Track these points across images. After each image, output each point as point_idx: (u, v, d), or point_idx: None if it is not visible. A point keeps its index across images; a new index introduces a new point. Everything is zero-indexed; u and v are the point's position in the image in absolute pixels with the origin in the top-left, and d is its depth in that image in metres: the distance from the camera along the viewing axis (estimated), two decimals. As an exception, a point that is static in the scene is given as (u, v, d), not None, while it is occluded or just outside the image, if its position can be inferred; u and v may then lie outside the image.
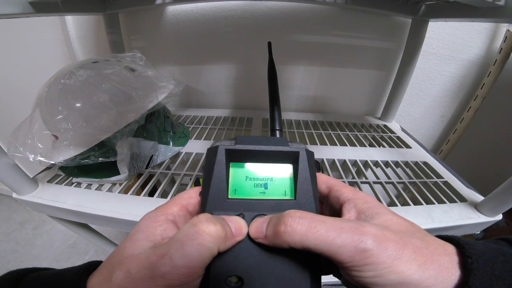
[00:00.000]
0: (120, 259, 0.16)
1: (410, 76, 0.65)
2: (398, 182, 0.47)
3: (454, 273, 0.15)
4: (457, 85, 0.76)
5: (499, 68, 0.67)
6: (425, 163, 0.53)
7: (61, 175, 0.47)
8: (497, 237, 0.18)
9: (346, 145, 0.59)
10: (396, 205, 0.42)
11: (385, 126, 0.71)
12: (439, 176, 0.49)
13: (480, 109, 0.74)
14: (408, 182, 0.48)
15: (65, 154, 0.38)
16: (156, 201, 0.41)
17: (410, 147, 0.60)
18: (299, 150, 0.20)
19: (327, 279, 0.22)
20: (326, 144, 0.59)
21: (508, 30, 0.64)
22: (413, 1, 0.53)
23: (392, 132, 0.68)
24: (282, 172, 0.20)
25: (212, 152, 0.20)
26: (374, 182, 0.47)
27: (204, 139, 0.60)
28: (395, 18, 0.66)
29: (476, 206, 0.41)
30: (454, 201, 0.43)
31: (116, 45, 0.64)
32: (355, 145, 0.59)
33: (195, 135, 0.61)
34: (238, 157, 0.20)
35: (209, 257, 0.15)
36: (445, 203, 0.43)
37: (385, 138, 0.64)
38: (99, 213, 0.39)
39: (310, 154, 0.20)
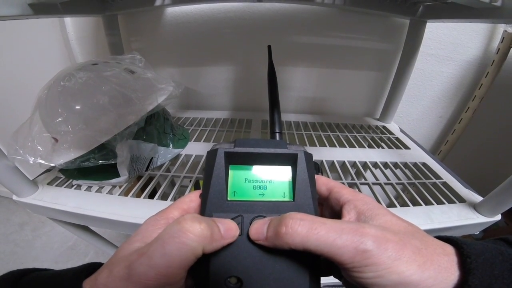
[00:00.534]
0: (113, 261, 0.16)
1: (408, 77, 0.65)
2: (397, 183, 0.48)
3: (453, 273, 0.15)
4: (455, 86, 0.77)
5: (497, 69, 0.68)
6: (424, 164, 0.54)
7: (61, 177, 0.47)
8: (495, 237, 0.18)
9: (345, 147, 0.59)
10: (395, 206, 0.42)
11: (383, 127, 0.72)
12: (437, 176, 0.50)
13: (478, 109, 0.74)
14: (407, 183, 0.48)
15: (65, 156, 0.39)
16: (156, 203, 0.41)
17: (409, 148, 0.60)
18: (297, 152, 0.20)
19: (328, 280, 0.22)
20: (325, 146, 0.59)
21: (505, 31, 0.64)
22: (410, 2, 0.54)
23: (390, 133, 0.68)
24: (281, 174, 0.20)
25: (211, 155, 0.20)
26: (373, 183, 0.47)
27: (203, 141, 0.60)
28: (393, 19, 0.66)
29: (475, 206, 0.41)
30: (453, 202, 0.43)
31: (115, 46, 0.64)
32: (354, 147, 0.59)
33: (194, 137, 0.61)
34: (237, 159, 0.20)
35: (191, 257, 0.15)
36: (444, 203, 0.43)
37: (384, 139, 0.65)
38: (99, 215, 0.39)
39: (308, 156, 0.20)
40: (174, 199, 0.43)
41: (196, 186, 0.47)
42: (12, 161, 0.37)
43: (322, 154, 0.55)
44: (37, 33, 0.74)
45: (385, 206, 0.40)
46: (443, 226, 0.39)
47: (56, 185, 0.45)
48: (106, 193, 0.44)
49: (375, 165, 0.53)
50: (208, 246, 0.16)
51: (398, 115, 0.81)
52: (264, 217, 0.18)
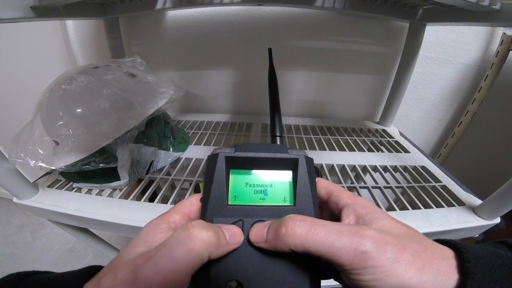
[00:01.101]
0: (115, 264, 0.16)
1: (408, 80, 0.65)
2: (396, 187, 0.48)
3: (452, 277, 0.15)
4: (454, 89, 0.77)
5: (496, 71, 0.68)
6: (424, 168, 0.54)
7: (61, 180, 0.47)
8: (495, 240, 0.18)
9: (345, 150, 0.59)
10: (395, 210, 0.42)
11: (383, 130, 0.72)
12: (437, 180, 0.50)
13: (478, 112, 0.75)
14: (407, 186, 0.48)
15: (66, 160, 0.39)
16: (156, 207, 0.41)
17: (409, 152, 0.60)
18: (298, 157, 0.20)
19: (328, 283, 0.23)
20: (325, 149, 0.59)
21: (505, 33, 0.65)
22: (410, 5, 0.54)
23: (390, 136, 0.68)
24: (281, 178, 0.20)
25: (212, 159, 0.20)
26: (373, 187, 0.47)
27: (204, 145, 0.60)
28: (393, 22, 0.67)
29: (474, 209, 0.42)
30: (452, 205, 0.43)
31: (116, 50, 0.65)
32: (354, 150, 0.60)
33: (195, 140, 0.61)
34: (238, 164, 0.20)
35: (198, 263, 0.15)
36: (443, 207, 0.43)
37: (383, 143, 0.65)
38: (99, 218, 0.39)
39: (309, 161, 0.20)
40: (174, 202, 0.43)
41: (196, 189, 0.47)
42: (13, 164, 0.38)
43: (322, 157, 0.55)
44: (38, 36, 0.75)
45: (385, 210, 0.41)
46: (443, 229, 0.39)
47: (56, 188, 0.45)
48: (107, 196, 0.44)
49: (375, 168, 0.53)
50: (214, 252, 0.16)
51: (398, 118, 0.81)
52: (265, 221, 0.18)
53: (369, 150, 0.61)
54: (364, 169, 0.53)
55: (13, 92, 0.85)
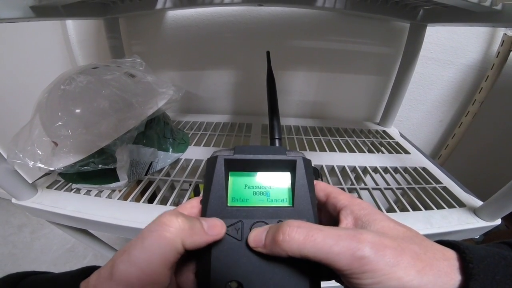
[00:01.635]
0: (106, 263, 0.16)
1: (408, 81, 0.65)
2: (397, 188, 0.48)
3: (454, 278, 0.15)
4: (455, 90, 0.77)
5: (497, 72, 0.68)
6: (424, 169, 0.54)
7: (60, 181, 0.47)
8: (498, 241, 0.18)
9: (345, 151, 0.59)
10: (395, 211, 0.42)
11: (384, 131, 0.72)
12: (438, 181, 0.50)
13: (478, 113, 0.74)
14: (407, 188, 0.48)
15: (65, 161, 0.38)
16: (155, 208, 0.41)
17: (409, 153, 0.60)
18: (296, 159, 0.20)
19: (328, 284, 0.22)
20: (325, 151, 0.59)
21: (505, 34, 0.65)
22: (411, 6, 0.54)
23: (391, 137, 0.68)
24: (280, 180, 0.21)
25: (211, 162, 0.20)
26: (373, 188, 0.47)
27: (203, 145, 0.60)
28: (393, 23, 0.66)
29: (475, 211, 0.41)
30: (453, 206, 0.43)
31: (116, 50, 0.65)
32: (354, 151, 0.59)
33: (194, 141, 0.61)
34: (237, 166, 0.20)
35: (171, 252, 0.15)
36: (444, 208, 0.43)
37: (384, 144, 0.65)
38: (98, 219, 0.39)
39: (307, 162, 0.21)
40: (174, 203, 0.43)
41: (195, 190, 0.47)
42: (11, 165, 0.37)
43: (322, 159, 0.55)
44: (38, 35, 0.74)
45: (385, 211, 0.41)
46: (443, 230, 0.38)
47: (55, 189, 0.45)
48: (106, 197, 0.43)
49: (375, 170, 0.53)
50: (189, 240, 0.16)
51: (398, 119, 0.81)
52: (264, 222, 0.19)
53: (370, 151, 0.61)
54: (365, 170, 0.53)
55: (13, 92, 0.85)
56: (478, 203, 0.43)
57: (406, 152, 0.60)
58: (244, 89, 0.78)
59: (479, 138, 0.84)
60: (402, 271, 0.14)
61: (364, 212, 0.18)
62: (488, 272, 0.14)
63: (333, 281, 0.20)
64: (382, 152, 0.61)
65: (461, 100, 0.78)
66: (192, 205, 0.20)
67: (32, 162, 0.38)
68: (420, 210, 0.42)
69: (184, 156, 0.55)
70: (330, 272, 0.18)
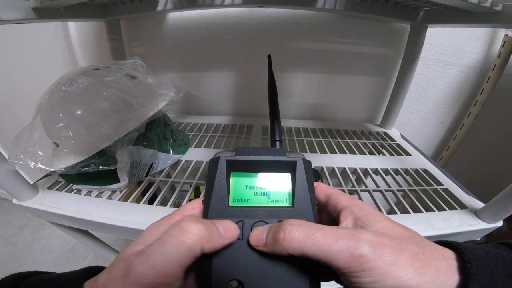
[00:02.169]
0: (113, 262, 0.16)
1: (409, 83, 0.65)
2: (398, 190, 0.47)
3: (452, 278, 0.15)
4: (456, 91, 0.77)
5: (498, 73, 0.68)
6: (425, 171, 0.53)
7: (61, 181, 0.47)
8: (497, 241, 0.18)
9: (346, 153, 0.59)
10: (396, 213, 0.42)
11: (384, 133, 0.71)
12: (439, 183, 0.49)
13: (480, 115, 0.74)
14: (408, 189, 0.47)
15: (66, 162, 0.39)
16: (155, 209, 0.41)
17: (410, 155, 0.60)
18: (296, 160, 0.21)
19: (329, 285, 0.22)
20: (326, 152, 0.59)
21: (506, 35, 0.64)
22: (411, 7, 0.54)
23: (392, 139, 0.68)
24: (280, 181, 0.21)
25: (213, 163, 0.21)
26: (374, 190, 0.47)
27: (204, 147, 0.59)
28: (394, 24, 0.66)
29: (476, 213, 0.41)
30: (454, 208, 0.43)
31: (117, 51, 0.65)
32: (355, 153, 0.59)
33: (195, 142, 0.61)
34: (238, 167, 0.21)
35: (189, 256, 0.15)
36: (445, 210, 0.42)
37: (385, 145, 0.65)
38: (98, 220, 0.39)
39: (307, 163, 0.21)
40: (174, 204, 0.43)
41: (196, 192, 0.47)
42: (12, 166, 0.38)
43: (323, 160, 0.55)
44: (40, 37, 0.75)
45: (385, 213, 0.40)
46: (444, 232, 0.38)
47: (56, 190, 0.45)
48: (106, 198, 0.44)
49: (376, 171, 0.53)
50: (207, 245, 0.16)
51: (399, 121, 0.81)
52: (265, 222, 0.19)
53: (370, 153, 0.61)
54: (365, 172, 0.53)
55: (14, 93, 0.86)
56: (479, 204, 0.43)
57: (407, 153, 0.60)
58: (245, 91, 0.78)
59: (480, 140, 0.84)
60: (400, 270, 0.14)
61: (364, 213, 0.18)
62: (486, 272, 0.14)
63: (333, 281, 0.20)
64: (383, 154, 0.60)
65: (462, 101, 0.78)
66: (194, 206, 0.21)
67: (33, 163, 0.38)
68: (421, 212, 0.42)
69: (184, 157, 0.55)
70: (330, 271, 0.19)
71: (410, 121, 0.83)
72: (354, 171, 0.53)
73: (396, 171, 0.53)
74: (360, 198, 0.45)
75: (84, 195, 0.44)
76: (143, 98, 0.43)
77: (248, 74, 0.75)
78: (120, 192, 0.45)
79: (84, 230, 0.53)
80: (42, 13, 0.41)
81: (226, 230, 0.17)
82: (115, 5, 0.57)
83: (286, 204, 0.20)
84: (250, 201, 0.20)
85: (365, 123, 0.79)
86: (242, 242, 0.18)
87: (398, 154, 0.60)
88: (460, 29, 0.67)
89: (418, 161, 0.57)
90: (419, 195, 0.46)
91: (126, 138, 0.41)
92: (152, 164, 0.49)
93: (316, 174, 0.23)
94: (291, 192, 0.20)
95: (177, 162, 0.53)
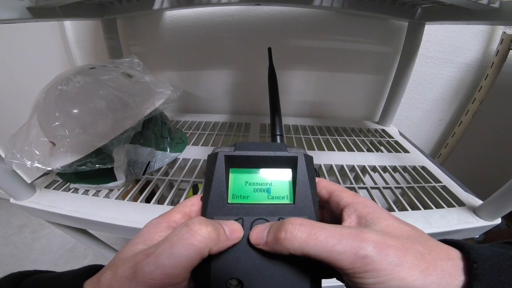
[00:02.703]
0: (115, 262, 0.16)
1: (407, 80, 0.65)
2: (396, 187, 0.47)
3: (457, 278, 0.14)
4: (454, 88, 0.76)
5: (496, 71, 0.68)
6: (423, 168, 0.53)
7: (58, 180, 0.47)
8: (502, 241, 0.18)
9: (344, 150, 0.59)
10: (394, 211, 0.42)
11: (383, 130, 0.71)
12: (437, 180, 0.49)
13: (478, 112, 0.74)
14: (406, 187, 0.47)
15: (62, 160, 0.38)
16: (152, 207, 0.41)
17: (408, 152, 0.60)
18: (297, 155, 0.20)
19: (330, 283, 0.22)
20: (324, 150, 0.59)
21: (504, 32, 0.64)
22: (409, 4, 0.54)
23: (390, 136, 0.68)
24: (281, 177, 0.20)
25: (212, 158, 0.20)
26: (372, 188, 0.47)
27: (201, 145, 0.59)
28: (392, 21, 0.66)
29: (474, 210, 0.41)
30: (453, 206, 0.43)
31: (114, 50, 0.65)
32: (353, 150, 0.59)
33: (193, 140, 0.61)
34: (238, 163, 0.20)
35: (197, 258, 0.15)
36: (443, 207, 0.42)
37: (383, 142, 0.64)
38: (96, 219, 0.39)
39: (308, 159, 0.21)
40: (172, 202, 0.43)
41: (194, 190, 0.47)
42: (9, 165, 0.37)
43: (321, 158, 0.54)
44: (37, 36, 0.75)
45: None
46: (442, 230, 0.38)
47: (53, 189, 0.45)
48: (103, 197, 0.43)
49: (374, 169, 0.53)
50: (214, 247, 0.16)
51: (398, 118, 0.81)
52: (265, 219, 0.19)
53: (368, 150, 0.61)
54: (363, 169, 0.53)
55: (11, 92, 0.86)
56: (477, 202, 0.43)
57: (406, 151, 0.60)
58: (243, 89, 0.77)
59: (479, 137, 0.84)
60: (406, 271, 0.14)
61: (368, 210, 0.18)
62: (492, 273, 0.14)
63: (334, 279, 0.20)
64: (381, 151, 0.60)
65: (460, 98, 0.78)
66: (192, 202, 0.20)
67: (30, 162, 0.38)
68: (419, 209, 0.42)
69: (182, 155, 0.55)
70: (331, 268, 0.18)
71: (408, 118, 0.83)
72: (352, 168, 0.53)
73: (394, 169, 0.53)
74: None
75: (82, 194, 0.44)
76: (140, 96, 0.43)
77: (246, 72, 0.75)
78: (118, 190, 0.45)
79: (82, 229, 0.53)
80: (37, 13, 0.41)
81: (232, 232, 0.17)
82: (112, 4, 0.57)
83: (287, 201, 0.20)
84: (250, 197, 0.20)
85: (363, 120, 0.78)
86: (242, 240, 0.18)
87: (396, 151, 0.60)
88: (458, 27, 0.67)
89: (416, 158, 0.57)
90: (417, 192, 0.46)
91: (123, 136, 0.41)
92: (149, 162, 0.49)
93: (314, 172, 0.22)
94: (292, 188, 0.20)
95: (175, 160, 0.53)
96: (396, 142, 0.64)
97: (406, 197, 0.45)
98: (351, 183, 0.48)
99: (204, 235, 0.15)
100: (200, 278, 0.17)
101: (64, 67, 0.77)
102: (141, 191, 0.46)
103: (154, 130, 0.49)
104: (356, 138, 0.65)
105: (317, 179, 0.21)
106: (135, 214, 0.39)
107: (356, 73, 0.74)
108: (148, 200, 0.43)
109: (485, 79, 0.70)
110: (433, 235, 0.38)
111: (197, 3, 0.54)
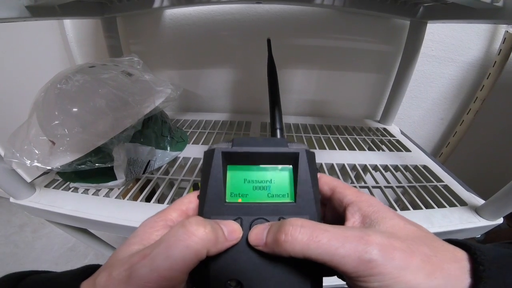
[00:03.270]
0: (111, 263, 0.16)
1: (409, 79, 0.64)
2: (397, 186, 0.47)
3: (463, 281, 0.14)
4: (456, 87, 0.76)
5: (499, 70, 0.67)
6: (425, 167, 0.53)
7: (58, 180, 0.46)
8: (507, 241, 0.18)
9: (345, 149, 0.58)
10: (396, 210, 0.42)
11: (384, 129, 0.71)
12: (439, 179, 0.49)
13: (480, 111, 0.74)
14: (408, 186, 0.47)
15: (62, 159, 0.38)
16: (152, 206, 0.41)
17: (410, 151, 0.59)
18: (298, 151, 0.19)
19: (330, 283, 0.22)
20: (325, 148, 0.58)
21: (507, 31, 0.64)
22: (411, 3, 0.53)
23: (391, 135, 0.67)
24: (281, 174, 0.20)
25: (208, 155, 0.19)
26: (373, 187, 0.46)
27: (202, 144, 0.59)
28: (394, 20, 0.66)
29: (476, 210, 0.41)
30: (454, 205, 0.43)
31: (114, 49, 0.64)
32: (354, 149, 0.59)
33: (193, 139, 0.61)
34: (235, 159, 0.19)
35: (195, 261, 0.15)
36: (445, 207, 0.42)
37: (384, 141, 0.64)
38: (96, 218, 0.39)
39: (310, 155, 0.20)
40: (172, 201, 0.43)
41: (195, 188, 0.47)
42: (9, 164, 0.37)
43: (322, 157, 0.54)
44: (37, 35, 0.74)
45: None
46: (444, 230, 0.38)
47: (53, 188, 0.45)
48: (103, 196, 0.43)
49: (375, 168, 0.53)
50: (213, 249, 0.16)
51: (399, 117, 0.80)
52: (264, 219, 0.18)
53: (370, 149, 0.61)
54: (365, 168, 0.53)
55: (11, 91, 0.85)
56: (479, 201, 0.43)
57: (407, 150, 0.60)
58: (243, 87, 0.77)
59: (480, 136, 0.83)
60: (411, 275, 0.14)
61: (373, 210, 0.17)
62: (498, 275, 0.14)
63: (335, 277, 0.19)
64: (383, 150, 0.60)
65: (462, 97, 0.78)
66: (190, 200, 0.20)
67: (29, 161, 0.37)
68: (421, 208, 0.42)
69: (182, 154, 0.54)
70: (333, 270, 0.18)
71: (410, 117, 0.82)
72: (354, 167, 0.53)
73: (396, 168, 0.53)
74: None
75: (81, 193, 0.44)
76: (140, 95, 0.43)
77: (246, 70, 0.74)
78: (118, 189, 0.45)
79: (83, 229, 0.53)
80: (37, 11, 0.41)
81: (231, 233, 0.17)
82: (112, 3, 0.56)
83: (287, 200, 0.19)
84: (249, 196, 0.19)
85: (365, 119, 0.78)
86: (241, 241, 0.17)
87: (398, 150, 0.60)
88: (460, 26, 0.66)
89: (418, 157, 0.57)
90: (419, 191, 0.46)
91: (123, 135, 0.41)
92: (149, 161, 0.48)
93: None
94: (293, 186, 0.19)
95: (175, 159, 0.53)
96: (398, 141, 0.64)
97: (408, 196, 0.45)
98: (352, 182, 0.47)
99: (201, 236, 0.15)
100: (198, 279, 0.17)
101: (64, 66, 0.76)
102: (141, 190, 0.45)
103: (154, 129, 0.49)
104: (357, 137, 0.65)
105: (318, 175, 0.20)
106: (135, 213, 0.39)
107: (357, 71, 0.74)
108: (148, 199, 0.43)
109: (487, 78, 0.69)
110: (435, 234, 0.38)
111: (197, 1, 0.54)
